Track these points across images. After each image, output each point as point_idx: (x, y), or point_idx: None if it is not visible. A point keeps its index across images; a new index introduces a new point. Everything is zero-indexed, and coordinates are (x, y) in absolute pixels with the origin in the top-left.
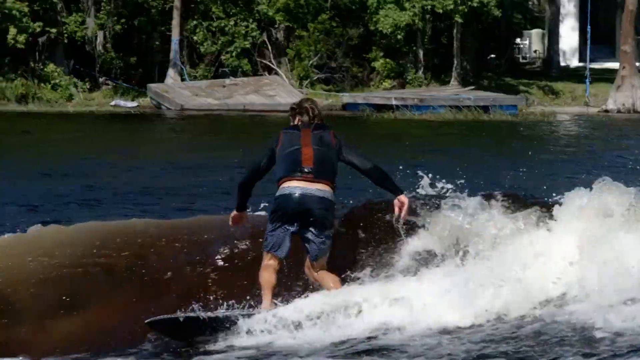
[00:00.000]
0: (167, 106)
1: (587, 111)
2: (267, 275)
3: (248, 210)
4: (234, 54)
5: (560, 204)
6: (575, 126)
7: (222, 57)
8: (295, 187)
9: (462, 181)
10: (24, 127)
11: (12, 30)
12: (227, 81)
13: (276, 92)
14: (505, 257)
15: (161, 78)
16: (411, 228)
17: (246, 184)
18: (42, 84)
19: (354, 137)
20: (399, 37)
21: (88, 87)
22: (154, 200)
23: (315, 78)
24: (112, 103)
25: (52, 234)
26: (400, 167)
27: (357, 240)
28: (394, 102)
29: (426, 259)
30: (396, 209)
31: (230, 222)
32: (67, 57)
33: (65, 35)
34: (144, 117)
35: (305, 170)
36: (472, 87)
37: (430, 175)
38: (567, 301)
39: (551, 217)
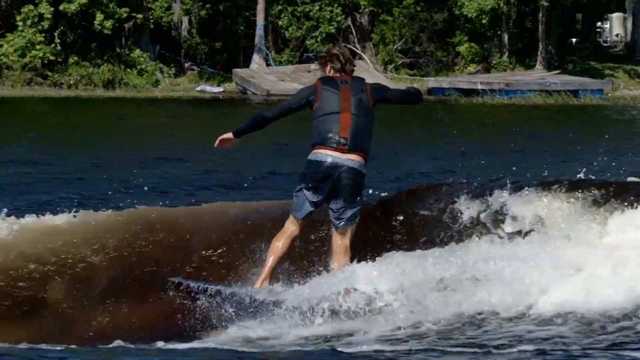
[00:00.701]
0: (253, 91)
1: None
2: (278, 243)
3: None
4: (318, 39)
5: None
6: None
7: (307, 42)
8: (327, 155)
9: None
10: (114, 112)
11: (99, 16)
12: (312, 66)
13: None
14: None
15: (246, 63)
16: None
17: (267, 120)
18: (128, 70)
19: (442, 122)
20: (483, 21)
21: (173, 72)
22: (263, 183)
23: (399, 63)
24: (198, 88)
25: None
26: (513, 153)
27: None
28: (479, 87)
29: None
30: None
31: (216, 143)
32: (153, 42)
33: (151, 20)
34: (230, 102)
35: (342, 141)
36: (557, 71)
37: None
38: None
39: None
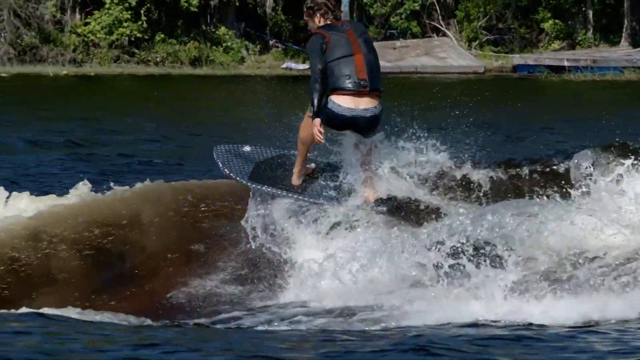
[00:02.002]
0: None
1: None
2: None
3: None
4: (403, 15)
5: None
6: None
7: (391, 20)
8: (345, 107)
9: None
10: (200, 89)
11: None
12: (398, 43)
13: (447, 54)
14: None
15: None
16: None
17: (322, 86)
18: (214, 47)
19: (531, 99)
20: None
21: (258, 49)
22: None
23: (484, 40)
24: (283, 66)
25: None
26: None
27: None
28: (566, 64)
29: None
30: None
31: (319, 131)
32: (238, 20)
33: None
34: None
35: (361, 83)
36: None
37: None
38: None
39: None
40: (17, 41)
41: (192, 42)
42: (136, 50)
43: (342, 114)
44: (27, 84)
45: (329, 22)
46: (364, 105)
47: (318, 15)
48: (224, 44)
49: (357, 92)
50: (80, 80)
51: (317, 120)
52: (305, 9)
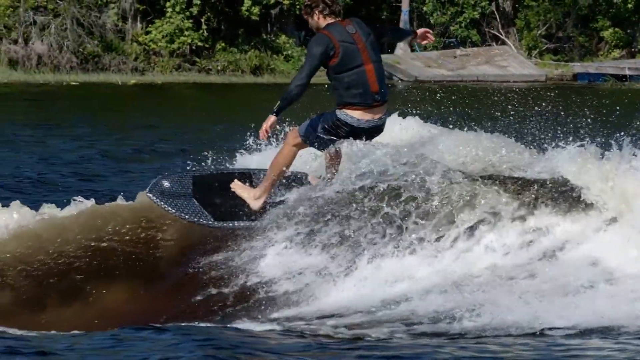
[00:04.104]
0: (400, 77)
1: None
2: (290, 153)
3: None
4: (462, 24)
5: None
6: None
7: (451, 28)
8: (364, 120)
9: None
10: (259, 98)
11: (247, 2)
12: (458, 52)
13: (508, 62)
14: None
15: (389, 49)
16: None
17: (302, 89)
18: (275, 55)
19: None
20: (628, 5)
21: None
22: None
23: (543, 48)
24: None
25: None
26: None
27: None
28: (627, 72)
29: None
30: (427, 39)
31: (266, 130)
32: (298, 28)
33: (297, 6)
34: None
35: (376, 97)
36: None
37: None
38: None
39: None
40: (80, 50)
41: (252, 50)
42: (197, 59)
43: (361, 126)
44: (95, 92)
45: (330, 20)
46: (378, 115)
47: (317, 12)
48: (284, 52)
49: (372, 107)
50: (147, 88)
51: (275, 120)
52: (303, 7)
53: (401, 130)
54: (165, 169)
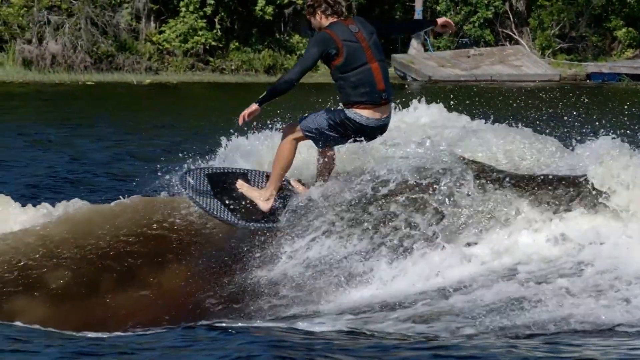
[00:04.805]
0: (414, 77)
1: None
2: (292, 148)
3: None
4: (476, 24)
5: None
6: None
7: (465, 28)
8: (373, 119)
9: None
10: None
11: (261, 2)
12: (472, 51)
13: (522, 62)
14: None
15: (403, 49)
16: None
17: (291, 83)
18: (288, 55)
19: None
20: None
21: None
22: None
23: (557, 47)
24: None
25: None
26: None
27: None
28: None
29: None
30: (448, 28)
31: (245, 116)
32: (311, 28)
33: None
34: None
35: (382, 95)
36: None
37: None
38: None
39: None
40: (94, 49)
41: (266, 50)
42: (210, 59)
43: (371, 125)
44: (111, 92)
45: (333, 19)
46: (385, 114)
47: (319, 12)
48: (297, 52)
49: (379, 105)
50: (162, 88)
51: (256, 109)
52: (306, 7)
53: (429, 116)
54: (187, 167)
